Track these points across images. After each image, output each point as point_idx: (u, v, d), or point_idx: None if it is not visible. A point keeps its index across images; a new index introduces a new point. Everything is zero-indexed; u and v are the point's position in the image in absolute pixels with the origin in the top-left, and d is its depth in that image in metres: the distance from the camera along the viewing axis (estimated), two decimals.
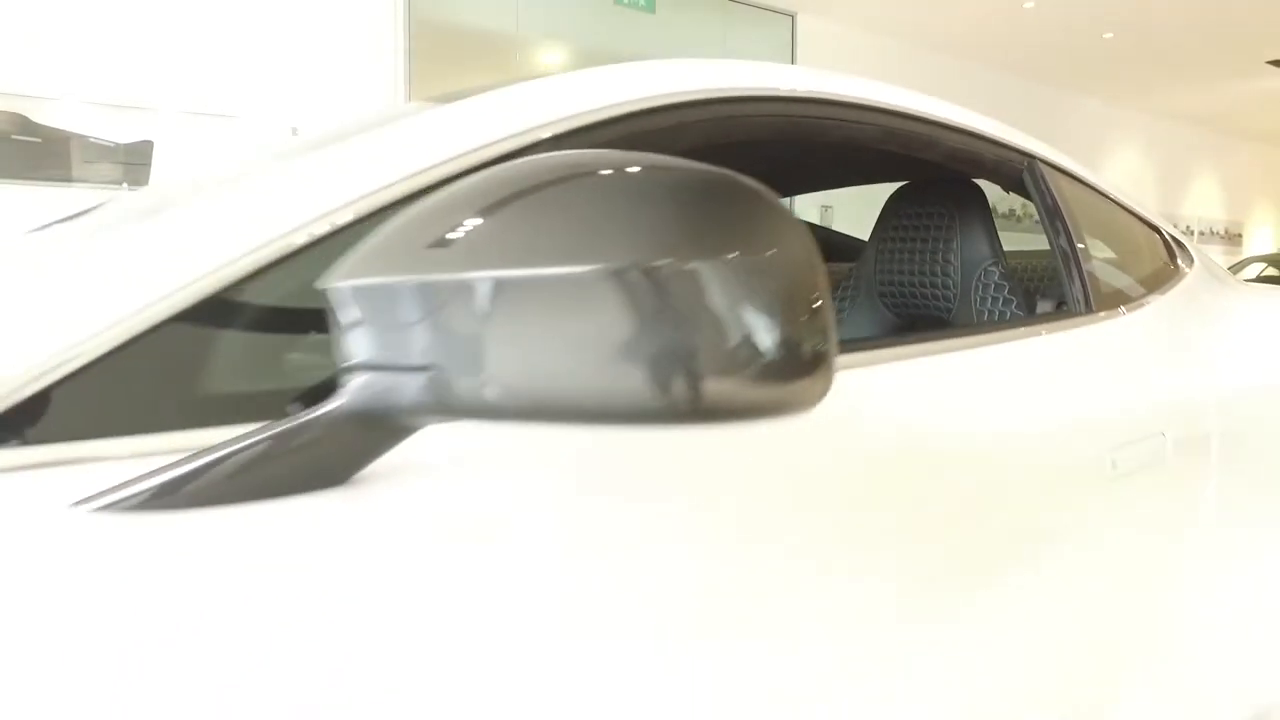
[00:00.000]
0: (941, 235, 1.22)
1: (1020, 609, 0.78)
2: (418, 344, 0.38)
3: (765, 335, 0.34)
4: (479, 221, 0.38)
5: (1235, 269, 8.44)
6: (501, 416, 0.38)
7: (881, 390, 0.72)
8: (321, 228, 0.50)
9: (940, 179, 1.26)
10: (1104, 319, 1.05)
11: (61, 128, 4.36)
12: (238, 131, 4.81)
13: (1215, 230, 12.28)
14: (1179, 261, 1.32)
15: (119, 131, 4.52)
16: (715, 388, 0.33)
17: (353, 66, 4.97)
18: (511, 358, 0.36)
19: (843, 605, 0.62)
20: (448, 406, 0.38)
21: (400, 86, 5.11)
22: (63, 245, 0.63)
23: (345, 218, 0.51)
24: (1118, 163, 10.18)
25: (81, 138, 4.43)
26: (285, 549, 0.42)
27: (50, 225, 1.02)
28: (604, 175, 0.37)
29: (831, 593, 0.62)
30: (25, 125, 4.31)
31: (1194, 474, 0.99)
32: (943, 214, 1.23)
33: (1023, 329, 0.94)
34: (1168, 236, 1.36)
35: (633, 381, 0.33)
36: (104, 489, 0.40)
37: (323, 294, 0.41)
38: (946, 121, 1.05)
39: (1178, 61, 8.17)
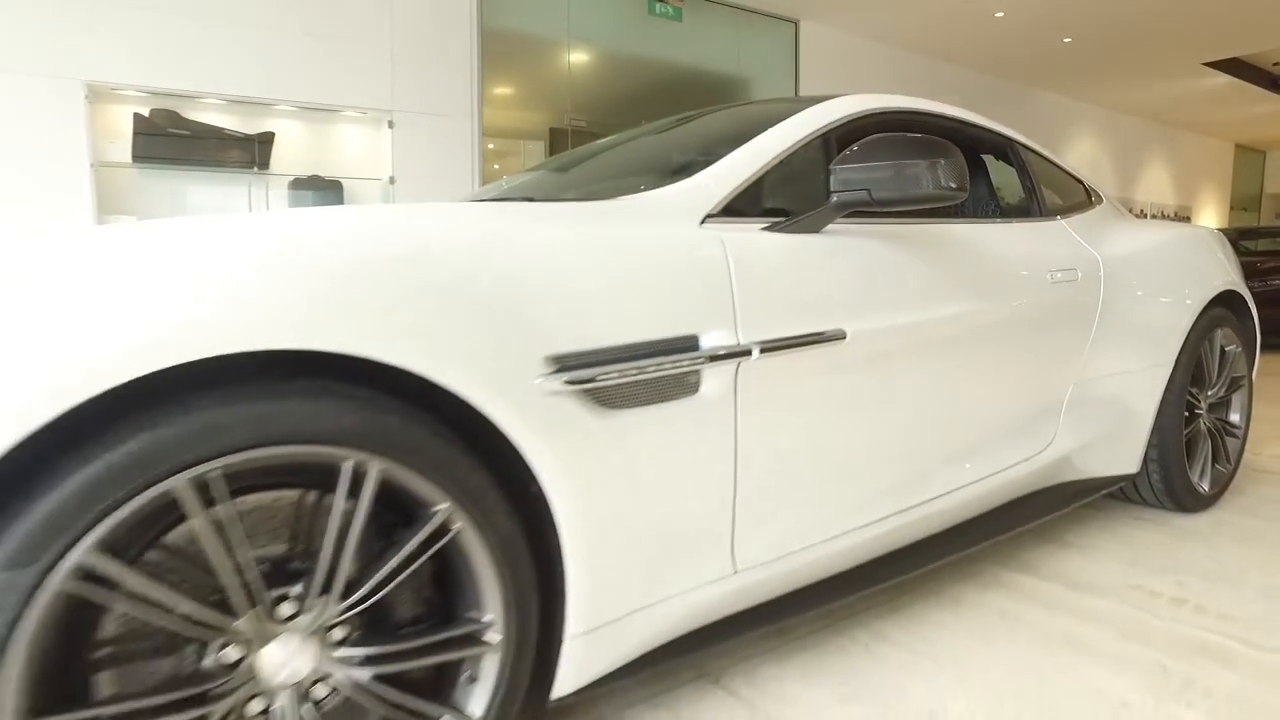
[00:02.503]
0: None
1: (992, 365, 1.75)
2: (857, 179, 1.35)
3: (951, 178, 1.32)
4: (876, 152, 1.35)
5: None
6: (889, 210, 1.36)
7: (954, 239, 1.69)
8: (787, 150, 1.47)
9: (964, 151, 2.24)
10: (1048, 220, 2.04)
11: (204, 121, 5.18)
12: (341, 123, 5.68)
13: (1166, 213, 13.47)
14: (1092, 200, 2.32)
15: (247, 124, 5.36)
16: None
17: (434, 66, 5.84)
18: (894, 187, 1.33)
19: (937, 371, 1.59)
20: (869, 207, 1.36)
21: (473, 82, 5.99)
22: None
23: (783, 149, 1.48)
24: (1077, 150, 11.32)
25: (219, 130, 5.25)
26: None
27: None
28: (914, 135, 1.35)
29: (936, 368, 1.59)
30: (177, 120, 5.12)
31: (1092, 292, 1.99)
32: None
33: (1010, 220, 1.93)
34: (1087, 186, 2.36)
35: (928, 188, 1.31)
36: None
37: (822, 172, 1.38)
38: (965, 119, 2.02)
39: (1127, 62, 9.31)
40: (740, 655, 1.49)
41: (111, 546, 0.77)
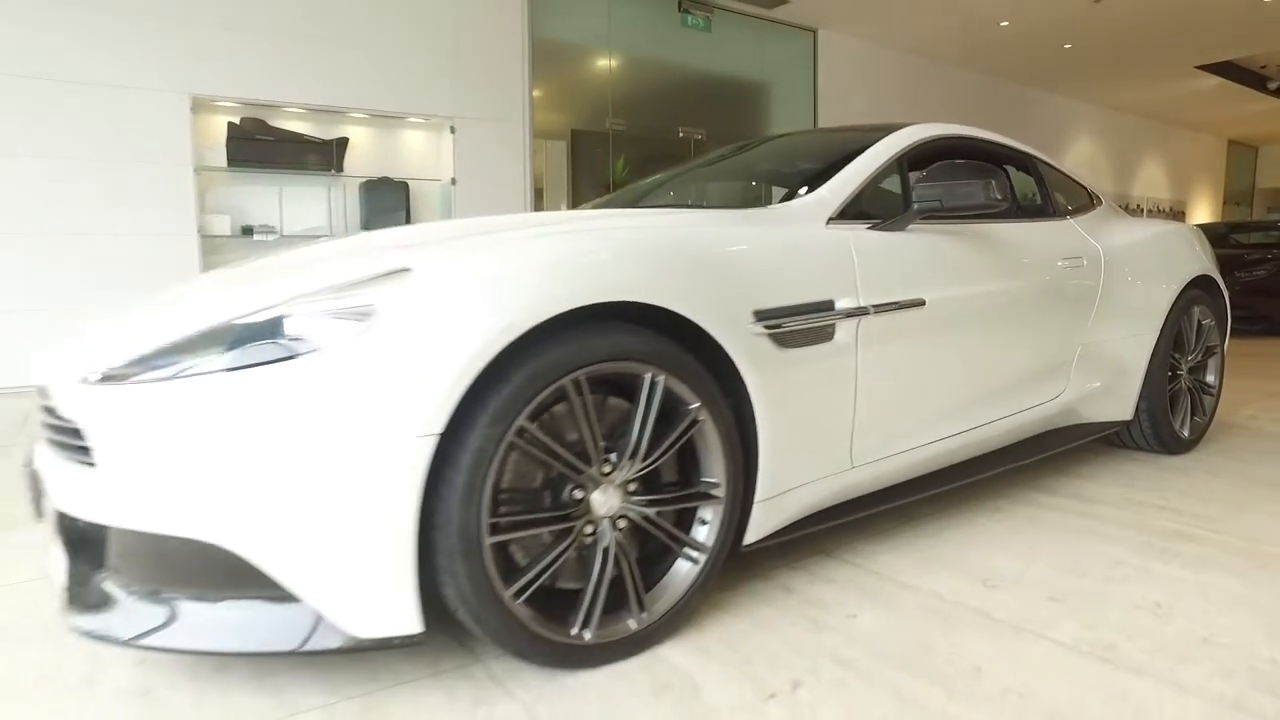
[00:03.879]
0: None
1: (1022, 329, 2.30)
2: (932, 194, 1.90)
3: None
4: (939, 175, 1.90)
5: None
6: (952, 215, 1.92)
7: (995, 235, 2.24)
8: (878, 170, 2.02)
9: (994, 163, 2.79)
10: (1060, 219, 2.60)
11: (286, 128, 5.70)
12: (407, 129, 6.21)
13: (1162, 208, 14.03)
14: (1094, 202, 2.87)
15: (322, 131, 5.87)
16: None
17: (490, 76, 6.36)
18: (957, 199, 1.88)
19: (983, 331, 2.13)
20: (939, 213, 1.91)
21: (524, 89, 6.50)
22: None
23: (878, 167, 2.03)
24: (1076, 149, 11.88)
25: (299, 135, 5.77)
26: None
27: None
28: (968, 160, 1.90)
29: (997, 324, 2.13)
30: (263, 127, 5.64)
31: (1095, 276, 2.54)
32: None
33: (1032, 219, 2.48)
34: (1089, 191, 2.91)
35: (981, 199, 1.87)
36: None
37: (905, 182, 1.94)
38: (997, 140, 2.57)
39: (1124, 67, 9.85)
40: (847, 537, 2.05)
41: (532, 416, 1.32)
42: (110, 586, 1.30)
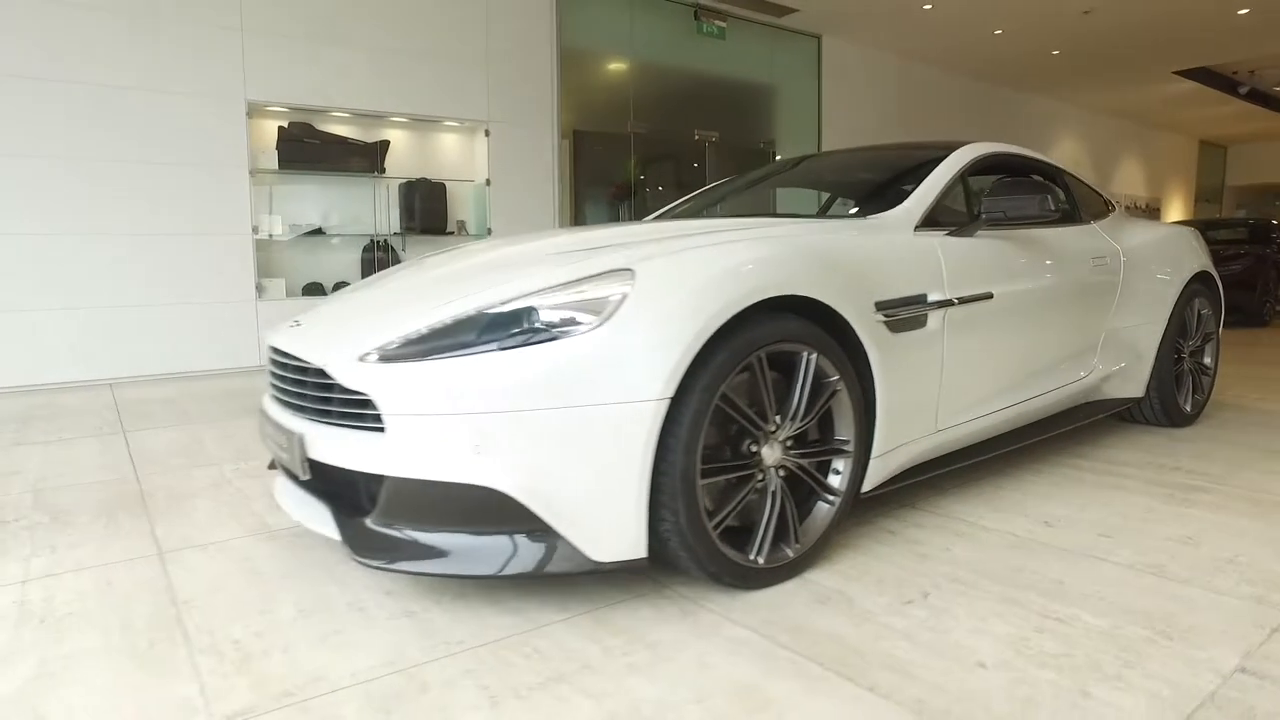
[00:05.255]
0: None
1: (1061, 317, 2.70)
2: (999, 206, 2.30)
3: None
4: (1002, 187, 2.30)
5: None
6: (1013, 222, 2.32)
7: (1042, 238, 2.64)
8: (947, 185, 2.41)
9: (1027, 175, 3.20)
10: (1084, 224, 3.01)
11: (332, 132, 5.98)
12: (444, 133, 6.51)
13: (1139, 205, 14.69)
14: (1110, 208, 3.29)
15: (364, 135, 6.16)
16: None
17: (521, 82, 6.67)
18: (1019, 210, 2.28)
19: (1035, 319, 2.54)
20: (1002, 222, 2.31)
21: (553, 96, 6.83)
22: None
23: (948, 181, 2.42)
24: (1060, 148, 12.44)
25: (343, 139, 6.05)
26: None
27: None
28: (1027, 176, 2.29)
29: (1037, 318, 2.54)
30: (310, 131, 5.91)
31: (1116, 272, 2.96)
32: None
33: (1066, 225, 2.90)
34: (1106, 198, 3.34)
35: (1037, 211, 2.26)
36: None
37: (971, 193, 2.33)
38: (1033, 156, 2.98)
39: (1107, 72, 10.38)
40: (925, 492, 2.44)
41: (730, 386, 1.68)
42: (388, 527, 1.64)
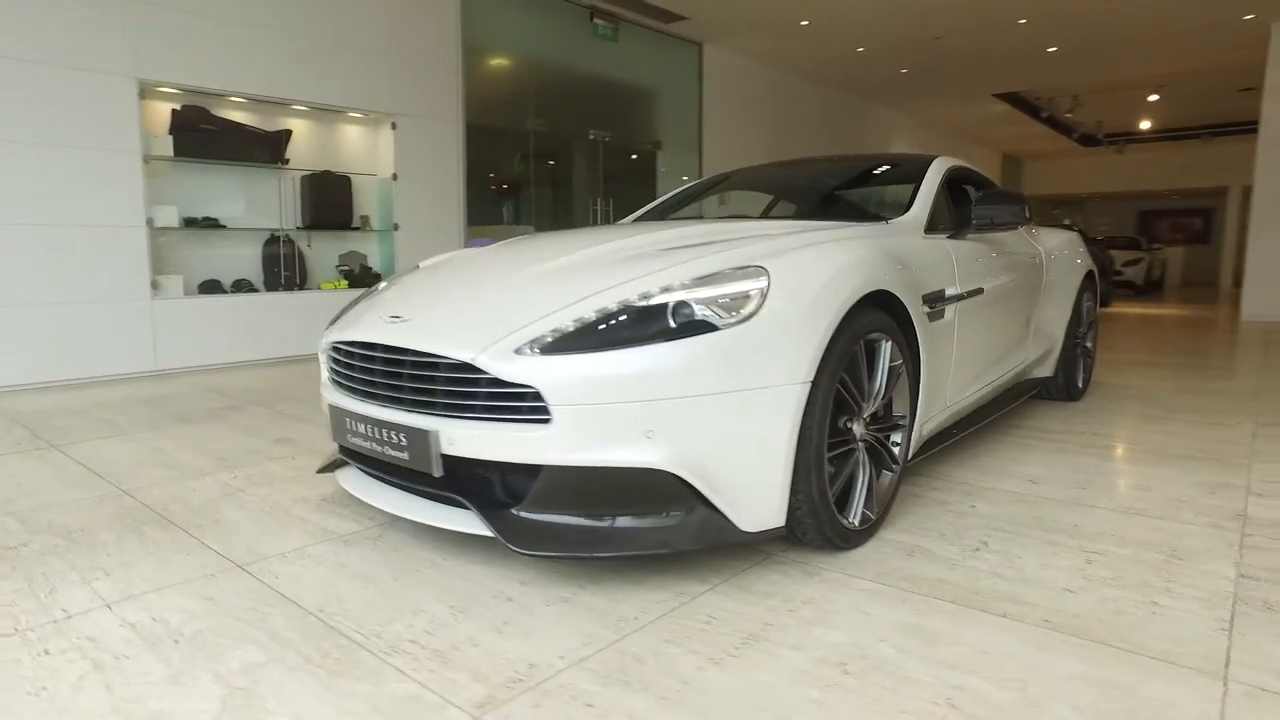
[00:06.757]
0: None
1: (1018, 309, 3.19)
2: (986, 214, 2.69)
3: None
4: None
5: None
6: (995, 227, 2.73)
7: (1006, 240, 3.10)
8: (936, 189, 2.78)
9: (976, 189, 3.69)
10: (1023, 229, 3.55)
11: (229, 118, 5.52)
12: (348, 123, 6.21)
13: None
14: (1029, 216, 3.86)
15: (264, 123, 5.75)
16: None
17: (427, 74, 6.50)
18: (1002, 218, 2.70)
19: (1004, 309, 2.99)
20: (988, 227, 2.72)
21: (458, 86, 6.71)
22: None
23: (937, 189, 2.79)
24: (899, 150, 13.78)
25: (241, 126, 5.61)
26: None
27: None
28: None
29: (1004, 312, 2.98)
30: (206, 116, 5.44)
31: (1041, 269, 3.51)
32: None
33: (1013, 229, 3.40)
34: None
35: (1016, 218, 2.69)
36: None
37: (970, 200, 2.71)
38: (975, 170, 3.45)
39: (943, 89, 11.67)
40: (925, 464, 2.81)
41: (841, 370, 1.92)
42: (543, 515, 1.72)
